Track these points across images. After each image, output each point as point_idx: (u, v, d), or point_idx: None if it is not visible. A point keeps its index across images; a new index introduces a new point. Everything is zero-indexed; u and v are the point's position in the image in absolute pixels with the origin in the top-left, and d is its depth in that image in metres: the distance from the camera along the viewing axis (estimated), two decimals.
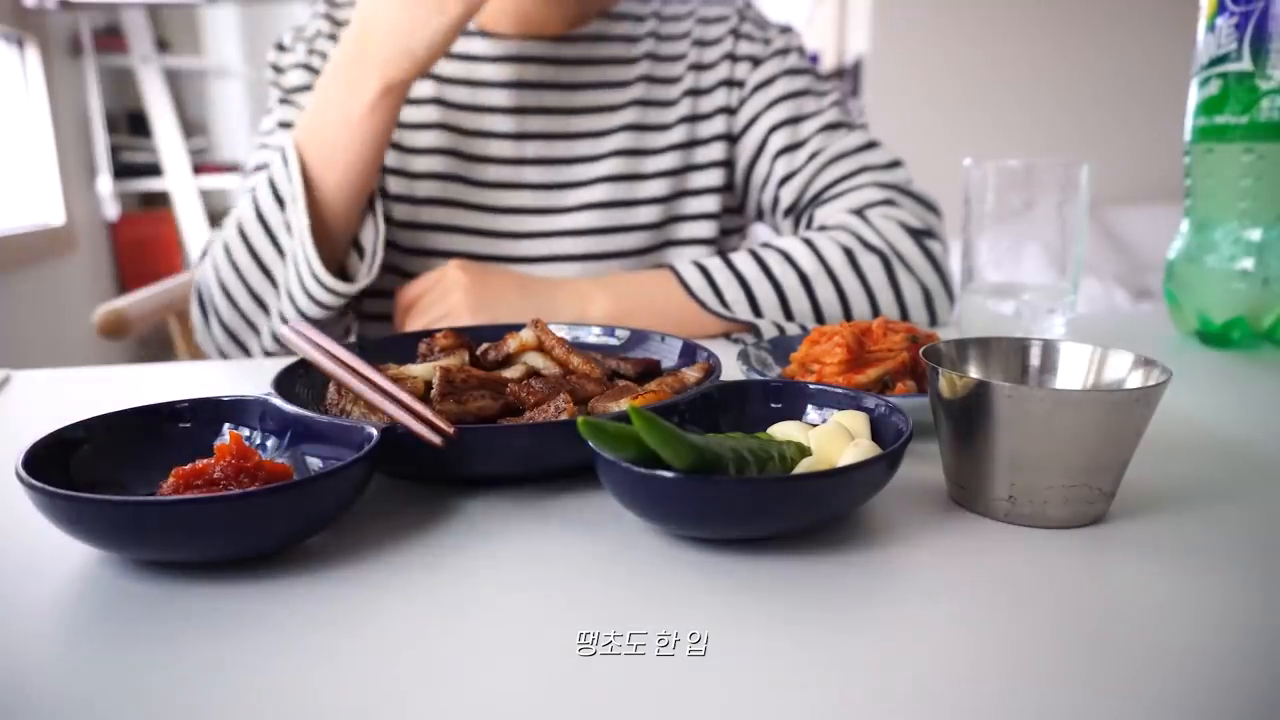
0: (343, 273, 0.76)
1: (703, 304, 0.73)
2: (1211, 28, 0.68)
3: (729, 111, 0.88)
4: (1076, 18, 3.27)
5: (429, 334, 0.56)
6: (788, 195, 0.86)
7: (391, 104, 0.71)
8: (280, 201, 0.73)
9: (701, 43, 0.89)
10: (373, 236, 0.75)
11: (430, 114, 0.85)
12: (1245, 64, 0.66)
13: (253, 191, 0.75)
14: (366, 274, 0.74)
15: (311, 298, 0.72)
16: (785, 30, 0.91)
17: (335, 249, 0.75)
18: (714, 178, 0.87)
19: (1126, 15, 3.26)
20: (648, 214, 0.86)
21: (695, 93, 0.88)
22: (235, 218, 0.76)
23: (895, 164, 0.85)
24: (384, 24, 0.68)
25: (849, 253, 0.76)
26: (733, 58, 0.88)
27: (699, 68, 0.88)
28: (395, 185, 0.85)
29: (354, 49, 0.70)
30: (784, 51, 0.89)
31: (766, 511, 0.35)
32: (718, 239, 0.89)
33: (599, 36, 0.88)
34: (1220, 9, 0.68)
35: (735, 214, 0.94)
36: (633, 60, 0.88)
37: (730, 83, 0.88)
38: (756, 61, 0.88)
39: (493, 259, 0.85)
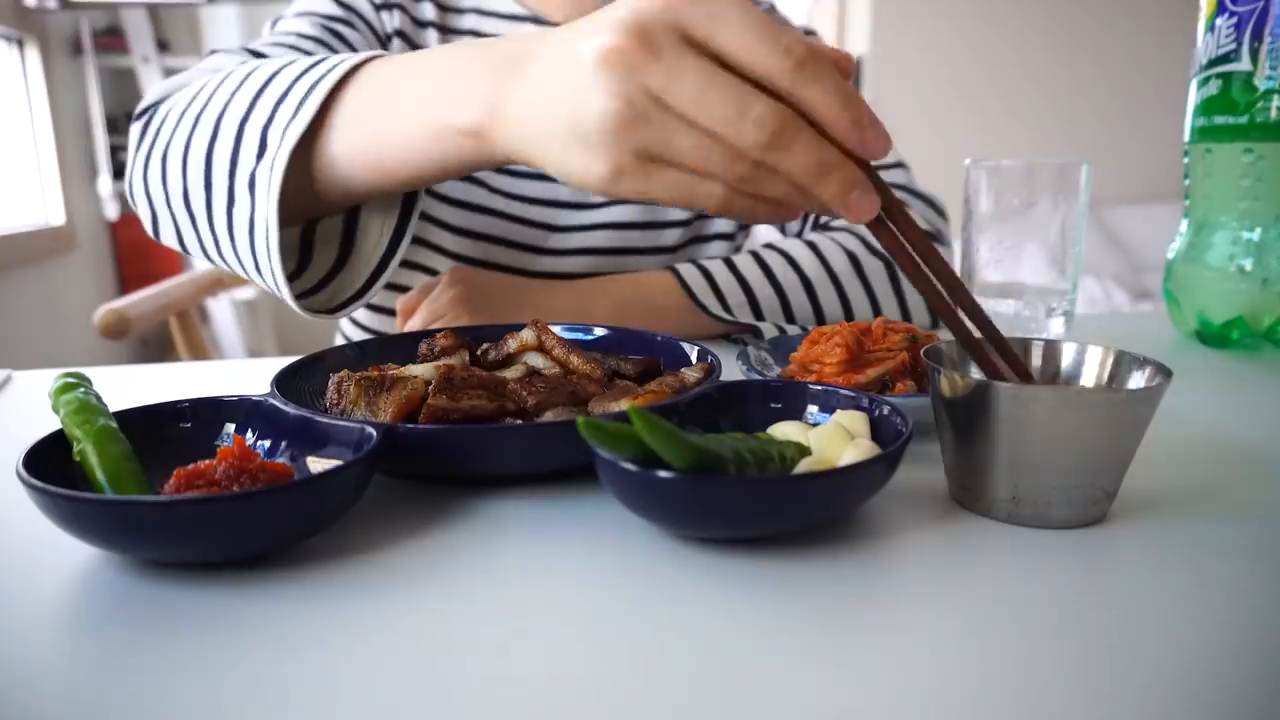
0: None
1: (704, 308, 0.73)
2: (1211, 28, 0.68)
3: None
4: (1077, 18, 3.27)
5: (429, 334, 0.56)
6: None
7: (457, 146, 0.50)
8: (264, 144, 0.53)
9: None
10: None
11: None
12: (1245, 64, 0.66)
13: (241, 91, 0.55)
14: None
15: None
16: (809, 34, 0.90)
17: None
18: None
19: (1126, 15, 3.26)
20: (670, 237, 0.86)
21: None
22: (210, 94, 0.57)
23: (899, 165, 0.85)
24: (534, 107, 0.44)
25: (853, 257, 0.76)
26: None
27: None
28: None
29: (498, 67, 0.46)
30: None
31: (766, 511, 0.35)
32: (734, 234, 0.90)
33: None
34: (1220, 9, 0.68)
35: None
36: None
37: None
38: None
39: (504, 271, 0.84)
